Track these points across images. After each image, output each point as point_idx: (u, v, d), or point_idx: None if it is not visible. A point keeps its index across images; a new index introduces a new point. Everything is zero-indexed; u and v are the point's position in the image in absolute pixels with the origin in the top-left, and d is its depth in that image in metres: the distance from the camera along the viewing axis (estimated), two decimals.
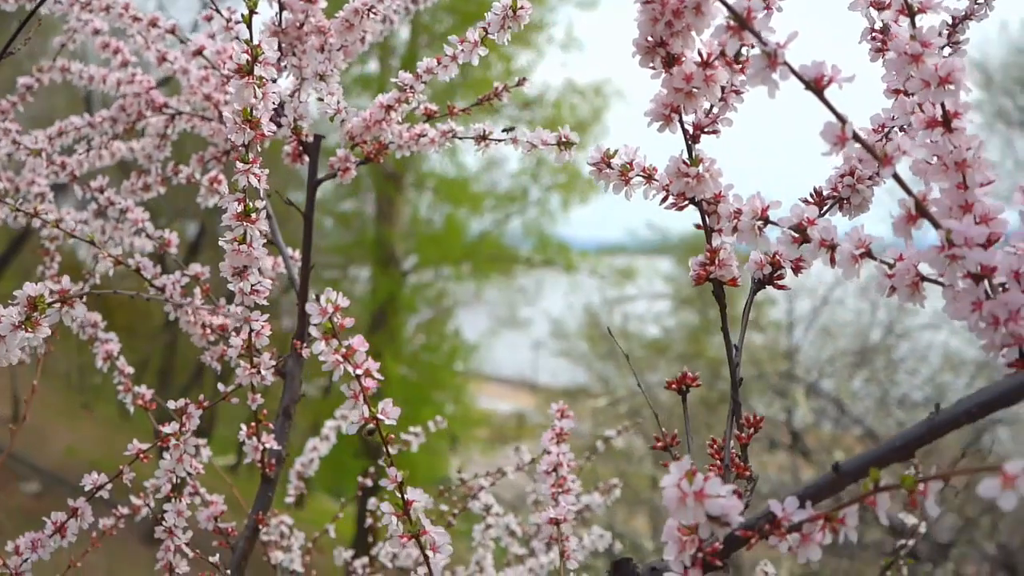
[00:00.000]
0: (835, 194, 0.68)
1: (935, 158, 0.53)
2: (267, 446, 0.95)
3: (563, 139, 0.83)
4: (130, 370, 1.08)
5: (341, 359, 0.61)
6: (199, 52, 1.04)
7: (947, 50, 0.72)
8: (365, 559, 1.29)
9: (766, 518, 0.52)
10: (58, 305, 0.65)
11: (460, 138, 0.96)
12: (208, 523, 0.99)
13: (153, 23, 1.09)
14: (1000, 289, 0.51)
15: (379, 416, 0.62)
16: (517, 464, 1.31)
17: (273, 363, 0.89)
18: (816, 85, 0.50)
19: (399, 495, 0.63)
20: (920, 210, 0.50)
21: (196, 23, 2.25)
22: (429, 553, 0.63)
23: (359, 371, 0.61)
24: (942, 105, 0.52)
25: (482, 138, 0.94)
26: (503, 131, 0.81)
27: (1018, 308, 0.49)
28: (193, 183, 1.16)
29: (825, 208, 0.68)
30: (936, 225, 0.50)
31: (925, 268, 0.54)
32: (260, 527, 0.98)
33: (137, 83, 1.16)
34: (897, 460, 0.50)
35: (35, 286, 0.65)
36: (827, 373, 6.15)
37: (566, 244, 11.60)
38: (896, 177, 0.50)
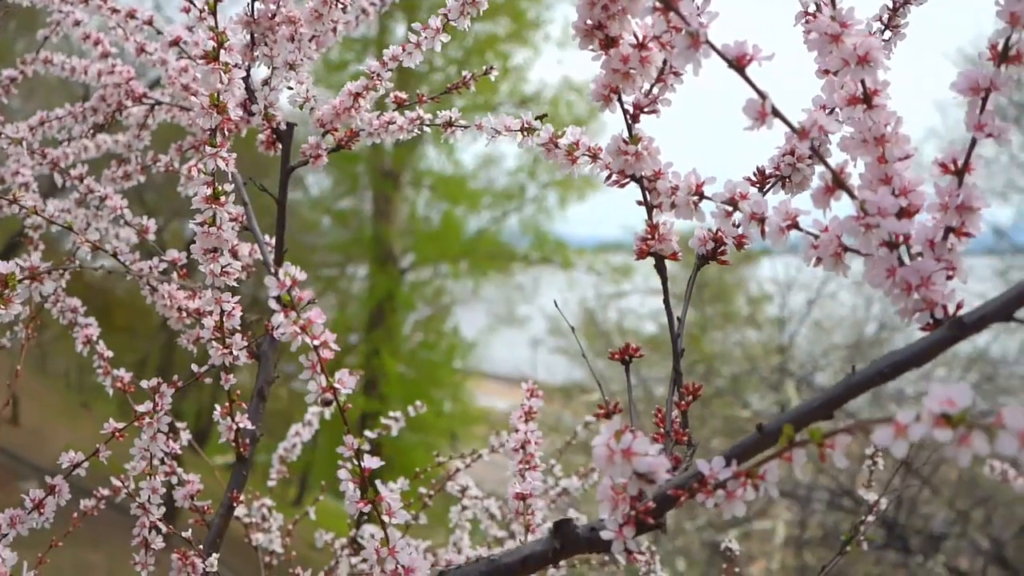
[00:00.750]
0: (777, 173, 0.70)
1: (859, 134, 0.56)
2: (241, 426, 0.98)
3: (526, 125, 0.85)
4: (109, 354, 1.11)
5: (299, 330, 0.63)
6: (175, 43, 1.06)
7: (887, 33, 0.75)
8: (344, 539, 1.32)
9: (695, 477, 0.54)
10: (28, 281, 0.68)
11: (428, 125, 0.98)
12: (184, 501, 1.02)
13: (131, 15, 1.11)
14: (917, 257, 0.54)
15: (336, 386, 0.64)
16: (492, 447, 1.34)
17: (245, 344, 0.91)
18: (738, 63, 0.52)
19: (356, 463, 0.66)
20: (837, 182, 0.53)
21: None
22: (385, 518, 0.66)
23: (317, 342, 0.64)
24: (862, 83, 0.55)
25: (448, 124, 0.96)
26: (536, 118, 0.83)
27: (930, 274, 0.52)
28: (172, 171, 1.18)
29: (768, 186, 0.70)
30: (852, 196, 0.53)
31: (848, 239, 0.56)
32: (235, 505, 1.00)
33: (117, 73, 1.19)
34: (817, 419, 0.52)
35: (5, 264, 0.67)
36: (821, 367, 6.18)
37: (563, 241, 11.63)
38: (814, 150, 0.53)
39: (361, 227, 11.93)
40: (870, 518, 1.07)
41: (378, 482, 0.66)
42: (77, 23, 1.21)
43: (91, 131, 1.20)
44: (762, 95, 0.52)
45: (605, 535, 0.56)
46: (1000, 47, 0.53)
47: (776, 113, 0.52)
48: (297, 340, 0.64)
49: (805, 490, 6.17)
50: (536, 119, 0.85)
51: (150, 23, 1.12)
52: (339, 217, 11.98)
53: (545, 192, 11.95)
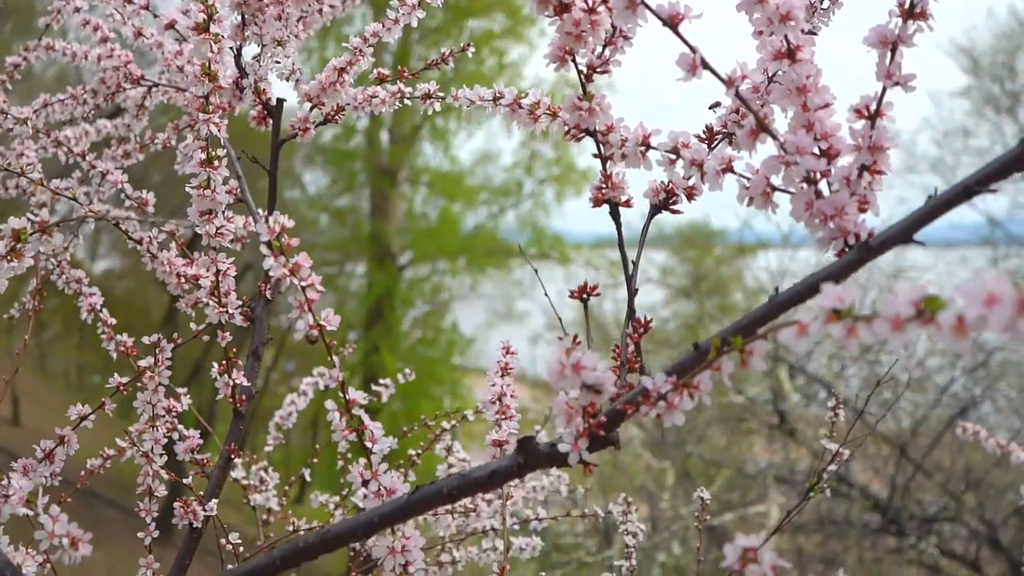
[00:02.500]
0: (724, 130, 0.77)
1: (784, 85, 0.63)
2: (237, 382, 1.05)
3: (497, 94, 0.92)
4: (112, 321, 1.17)
5: (288, 272, 0.70)
6: (171, 25, 1.13)
7: (826, 3, 0.81)
8: (337, 498, 1.39)
9: (640, 392, 0.61)
10: (38, 234, 0.74)
11: (409, 98, 1.05)
12: (185, 455, 1.09)
13: (128, 0, 1.18)
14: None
15: (322, 323, 0.71)
16: (477, 408, 1.41)
17: (239, 302, 0.98)
18: (672, 22, 0.59)
19: (341, 394, 0.73)
20: (761, 126, 0.60)
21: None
22: (368, 444, 0.72)
23: (304, 283, 0.70)
24: (786, 39, 0.62)
25: (427, 96, 1.03)
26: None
27: (843, 206, 0.59)
28: (169, 148, 1.25)
29: (716, 142, 0.77)
30: (774, 138, 0.60)
31: (775, 179, 0.63)
32: (232, 457, 1.07)
33: (116, 57, 1.25)
34: (743, 335, 0.59)
35: (18, 220, 0.74)
36: (814, 355, 6.25)
37: (560, 237, 11.69)
38: (739, 97, 0.60)
39: (359, 225, 11.98)
40: (832, 467, 1.14)
41: (363, 414, 0.73)
42: (77, 10, 1.28)
43: (92, 113, 1.26)
44: (693, 49, 0.59)
45: (562, 447, 0.63)
46: (907, 5, 0.60)
47: (705, 65, 0.59)
48: (286, 281, 0.70)
49: (802, 476, 6.25)
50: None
51: (146, 7, 1.19)
52: (337, 215, 12.03)
53: (542, 188, 12.02)
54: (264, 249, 0.70)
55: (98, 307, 1.19)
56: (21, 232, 0.73)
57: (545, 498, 1.39)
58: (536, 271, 1.06)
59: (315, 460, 1.55)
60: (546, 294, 0.99)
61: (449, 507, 1.25)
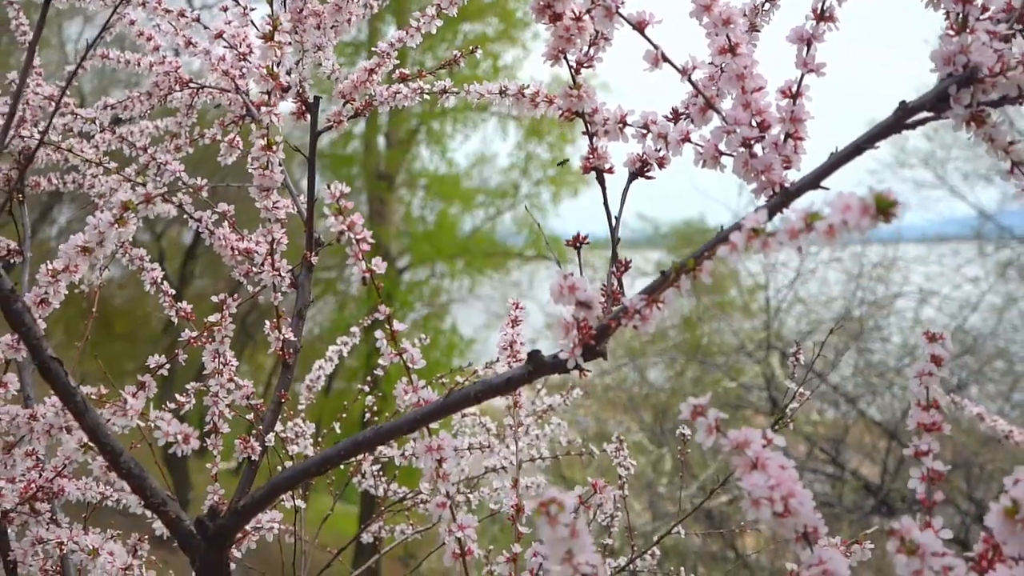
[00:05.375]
0: (687, 111, 0.96)
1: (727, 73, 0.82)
2: (286, 338, 1.24)
3: (503, 89, 1.11)
4: (172, 291, 1.36)
5: (346, 228, 0.89)
6: (219, 35, 1.32)
7: (767, 4, 1.00)
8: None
9: (622, 309, 0.80)
10: (144, 204, 0.93)
11: (428, 94, 1.24)
12: (242, 400, 1.27)
13: (181, 14, 1.37)
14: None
15: (372, 267, 0.90)
16: (487, 364, 1.59)
17: (290, 267, 1.17)
18: (640, 26, 0.78)
19: (388, 326, 0.92)
20: (708, 104, 0.79)
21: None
22: (409, 364, 0.91)
23: (358, 237, 0.89)
24: (728, 38, 0.81)
25: (443, 92, 1.22)
26: (558, 164, 1.07)
27: (770, 164, 0.78)
28: (215, 142, 1.44)
29: (680, 120, 0.96)
30: (719, 113, 0.79)
31: (722, 146, 0.82)
32: (282, 401, 1.26)
33: (167, 64, 1.44)
34: (696, 261, 0.78)
35: (125, 193, 0.92)
36: (804, 336, 6.45)
37: (556, 238, 11.87)
38: (692, 83, 0.79)
39: None
40: (794, 404, 1.33)
41: (404, 342, 0.92)
42: (132, 23, 1.46)
43: (148, 112, 1.45)
44: (655, 47, 0.78)
45: (562, 355, 0.82)
46: (819, 10, 0.79)
47: (665, 59, 0.78)
48: (345, 236, 0.89)
49: (796, 463, 6.43)
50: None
51: (197, 20, 1.38)
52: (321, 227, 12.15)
53: (538, 189, 12.22)
54: (326, 210, 0.89)
55: (159, 280, 1.38)
56: (129, 203, 0.91)
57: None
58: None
59: (344, 415, 1.74)
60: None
61: (469, 446, 1.44)
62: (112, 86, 8.39)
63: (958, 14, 0.72)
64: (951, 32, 0.72)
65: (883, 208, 0.56)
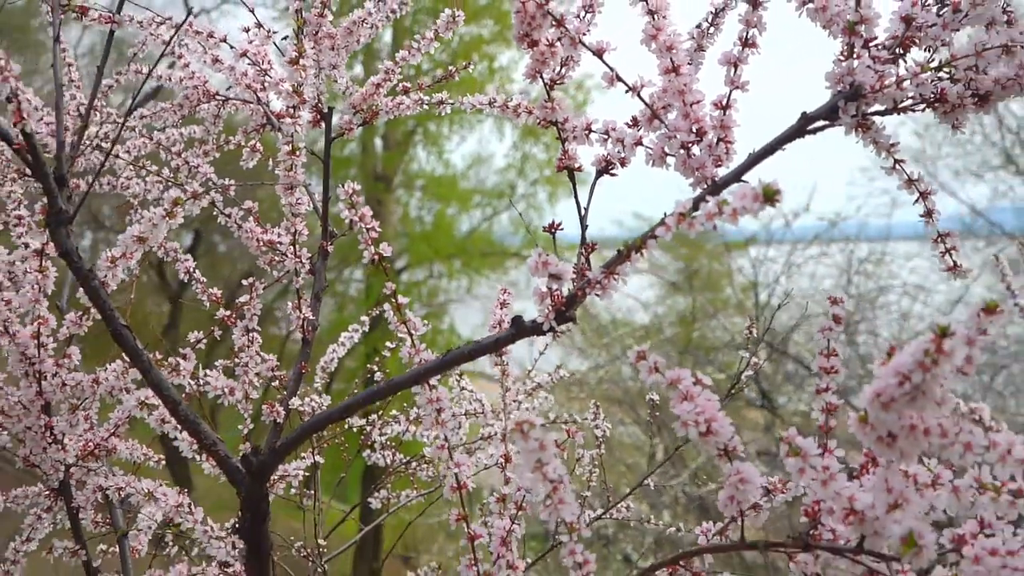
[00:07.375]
0: (640, 118, 1.14)
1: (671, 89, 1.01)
2: (307, 316, 1.42)
3: (492, 99, 1.30)
4: (203, 280, 1.55)
5: (358, 219, 1.08)
6: (244, 54, 1.51)
7: (712, 28, 1.19)
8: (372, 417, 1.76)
9: (586, 281, 0.99)
10: (191, 200, 1.12)
11: (428, 105, 1.43)
12: (268, 372, 1.46)
13: (210, 35, 1.55)
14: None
15: (381, 252, 1.09)
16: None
17: (310, 254, 1.36)
18: (599, 52, 0.97)
19: (394, 300, 1.10)
20: (654, 114, 0.98)
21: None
22: (412, 331, 1.10)
23: (368, 226, 1.08)
24: (671, 60, 1.00)
25: (441, 103, 1.41)
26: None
27: (703, 163, 0.97)
28: (239, 148, 1.63)
29: (636, 127, 1.15)
30: (661, 121, 0.98)
31: (666, 148, 1.01)
32: (303, 372, 1.44)
33: (196, 79, 1.63)
34: (642, 240, 0.96)
35: (174, 192, 1.11)
36: (793, 337, 6.64)
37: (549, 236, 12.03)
38: (640, 98, 0.98)
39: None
40: (748, 372, 1.52)
41: (407, 311, 1.11)
42: (166, 43, 1.65)
43: (180, 121, 1.64)
44: (611, 68, 0.97)
45: (538, 319, 1.01)
46: (744, 39, 0.98)
47: (618, 78, 0.97)
48: (357, 225, 1.08)
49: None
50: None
51: (224, 40, 1.56)
52: (334, 222, 12.31)
53: (535, 189, 12.40)
54: (341, 203, 1.08)
55: (192, 269, 1.57)
56: (179, 200, 1.10)
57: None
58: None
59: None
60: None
61: (465, 411, 1.64)
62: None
63: (846, 43, 0.91)
64: (841, 57, 0.91)
65: (769, 196, 0.75)
